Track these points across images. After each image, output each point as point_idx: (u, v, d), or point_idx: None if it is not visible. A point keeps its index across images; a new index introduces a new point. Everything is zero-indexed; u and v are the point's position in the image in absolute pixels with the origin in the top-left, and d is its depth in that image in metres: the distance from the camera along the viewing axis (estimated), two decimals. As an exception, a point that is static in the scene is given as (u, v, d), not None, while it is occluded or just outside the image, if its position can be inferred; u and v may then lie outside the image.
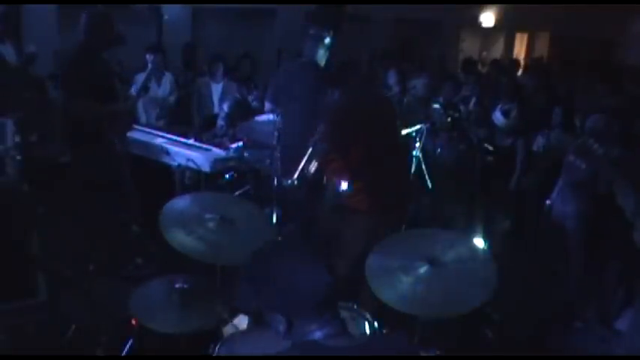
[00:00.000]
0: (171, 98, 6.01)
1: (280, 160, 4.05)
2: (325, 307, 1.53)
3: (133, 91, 5.12)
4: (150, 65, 5.29)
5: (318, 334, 1.51)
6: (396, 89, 6.42)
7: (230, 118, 5.29)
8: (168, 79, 5.99)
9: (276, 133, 4.04)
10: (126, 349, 2.71)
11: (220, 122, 5.37)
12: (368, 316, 2.60)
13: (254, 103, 5.47)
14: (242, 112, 5.24)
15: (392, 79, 6.62)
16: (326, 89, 3.70)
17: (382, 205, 3.37)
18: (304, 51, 3.94)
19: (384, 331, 2.51)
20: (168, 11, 7.63)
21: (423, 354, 2.59)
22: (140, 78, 5.51)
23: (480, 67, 10.69)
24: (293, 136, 3.73)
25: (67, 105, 4.08)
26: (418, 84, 6.37)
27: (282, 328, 1.54)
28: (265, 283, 1.55)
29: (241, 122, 4.98)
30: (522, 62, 11.56)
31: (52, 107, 5.15)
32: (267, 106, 4.11)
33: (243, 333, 2.52)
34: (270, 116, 4.26)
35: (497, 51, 13.55)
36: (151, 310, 2.51)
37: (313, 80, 3.75)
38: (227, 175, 4.58)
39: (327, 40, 3.86)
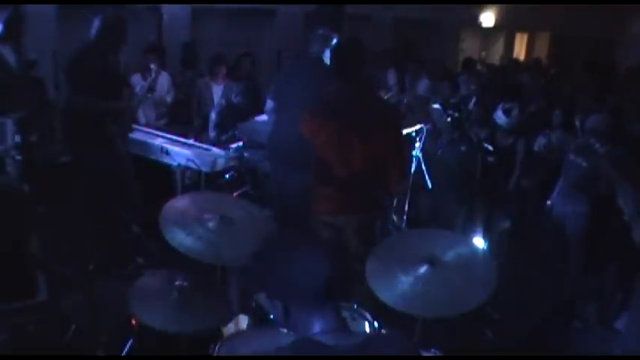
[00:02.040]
0: (168, 98, 6.00)
1: (273, 160, 4.06)
2: (325, 301, 1.54)
3: (138, 93, 5.15)
4: (153, 74, 5.32)
5: (317, 327, 1.51)
6: (394, 89, 6.43)
7: (218, 126, 5.33)
8: (165, 78, 5.98)
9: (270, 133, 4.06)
10: (126, 349, 2.72)
11: (211, 133, 5.39)
12: (368, 316, 2.60)
13: (237, 99, 5.45)
14: (230, 118, 5.26)
15: (391, 79, 6.63)
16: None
17: (339, 206, 3.37)
18: (311, 50, 3.92)
19: (383, 330, 2.51)
20: (168, 11, 7.63)
21: (422, 354, 2.59)
22: (136, 79, 5.51)
23: (479, 66, 10.70)
24: (290, 138, 3.70)
25: (70, 99, 4.09)
26: (418, 84, 6.39)
27: (278, 314, 1.56)
28: (269, 271, 1.58)
29: (232, 126, 5.03)
30: (522, 62, 11.57)
31: (52, 107, 5.16)
32: (269, 104, 4.09)
33: (243, 333, 2.53)
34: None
35: (497, 51, 13.55)
36: (150, 306, 2.50)
37: (321, 77, 3.73)
38: (227, 175, 4.59)
39: (335, 41, 3.85)
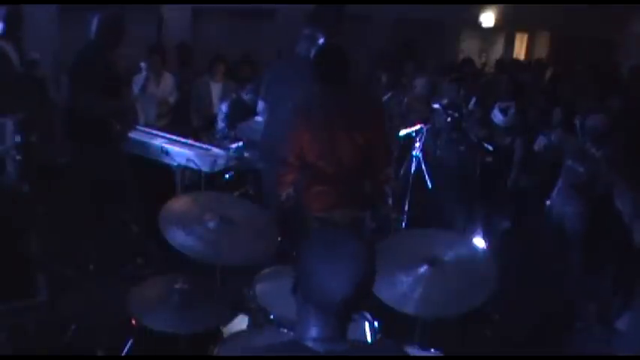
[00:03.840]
0: (171, 99, 6.00)
1: (264, 160, 4.07)
2: (336, 314, 1.49)
3: (135, 92, 5.15)
4: (144, 72, 5.32)
5: (314, 332, 1.49)
6: (394, 89, 6.43)
7: (230, 118, 5.28)
8: (167, 79, 5.98)
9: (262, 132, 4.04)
10: (126, 349, 2.72)
11: (220, 124, 5.35)
12: (368, 316, 2.60)
13: (248, 96, 5.43)
14: (240, 111, 5.23)
15: (383, 79, 6.63)
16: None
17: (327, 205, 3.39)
18: (297, 50, 3.94)
19: (377, 338, 2.51)
20: (168, 11, 7.62)
21: (422, 354, 2.59)
22: (138, 80, 5.52)
23: (480, 66, 10.69)
24: (280, 137, 3.70)
25: (76, 99, 4.09)
26: (418, 84, 6.38)
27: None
28: (302, 271, 1.50)
29: (241, 122, 5.00)
30: (522, 62, 11.57)
31: (53, 108, 5.16)
32: (261, 105, 4.10)
33: (243, 333, 2.53)
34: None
35: (497, 51, 13.55)
36: (151, 309, 2.50)
37: (309, 78, 3.73)
38: (227, 175, 4.59)
39: (321, 41, 3.85)
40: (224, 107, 5.41)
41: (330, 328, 1.50)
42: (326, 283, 1.44)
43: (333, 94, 3.35)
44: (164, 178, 4.45)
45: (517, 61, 11.18)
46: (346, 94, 3.41)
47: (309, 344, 1.48)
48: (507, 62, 10.40)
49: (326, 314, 1.49)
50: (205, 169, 4.32)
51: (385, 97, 5.88)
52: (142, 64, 5.36)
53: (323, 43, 3.72)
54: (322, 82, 3.36)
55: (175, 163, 4.38)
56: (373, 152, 3.39)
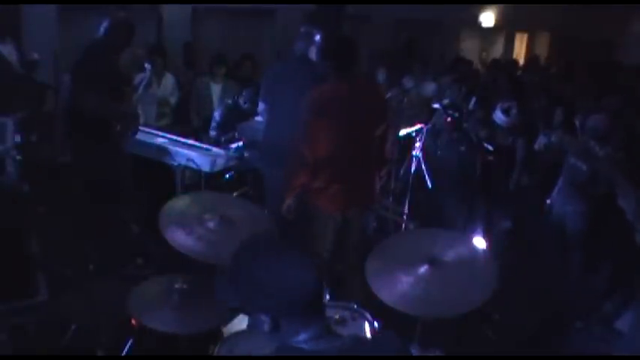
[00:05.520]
0: (173, 99, 6.00)
1: (266, 160, 4.08)
2: (312, 307, 1.49)
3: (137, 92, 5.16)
4: (148, 74, 5.31)
5: (303, 336, 1.47)
6: (395, 88, 6.43)
7: (221, 127, 5.29)
8: (168, 79, 5.98)
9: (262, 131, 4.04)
10: (126, 349, 2.72)
11: (212, 132, 5.34)
12: (368, 315, 2.60)
13: (245, 105, 5.43)
14: (235, 117, 5.23)
15: (380, 77, 6.64)
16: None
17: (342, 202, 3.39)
18: (295, 49, 3.94)
19: (376, 332, 2.51)
20: (168, 11, 7.62)
21: (422, 354, 2.59)
22: (140, 79, 5.51)
23: (479, 67, 10.71)
24: (282, 137, 3.71)
25: (78, 99, 4.09)
26: (427, 87, 6.40)
27: (266, 327, 1.48)
28: (248, 282, 1.48)
29: (236, 126, 5.00)
30: (522, 62, 11.58)
31: (52, 108, 5.15)
32: (261, 106, 4.10)
33: (243, 333, 2.53)
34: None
35: (497, 51, 13.55)
36: (151, 309, 2.50)
37: (308, 77, 3.73)
38: (227, 175, 4.59)
39: (318, 39, 3.84)
40: (217, 115, 5.39)
41: (314, 326, 1.48)
42: (288, 281, 1.45)
43: (346, 86, 3.35)
44: (164, 178, 4.46)
45: (515, 61, 11.16)
46: (358, 88, 3.42)
47: (302, 345, 1.46)
48: (505, 62, 10.39)
49: (303, 313, 1.47)
50: (205, 169, 4.32)
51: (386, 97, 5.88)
52: (147, 65, 5.35)
53: (333, 36, 3.71)
54: (335, 74, 3.35)
55: (175, 163, 4.39)
56: (381, 147, 3.43)
